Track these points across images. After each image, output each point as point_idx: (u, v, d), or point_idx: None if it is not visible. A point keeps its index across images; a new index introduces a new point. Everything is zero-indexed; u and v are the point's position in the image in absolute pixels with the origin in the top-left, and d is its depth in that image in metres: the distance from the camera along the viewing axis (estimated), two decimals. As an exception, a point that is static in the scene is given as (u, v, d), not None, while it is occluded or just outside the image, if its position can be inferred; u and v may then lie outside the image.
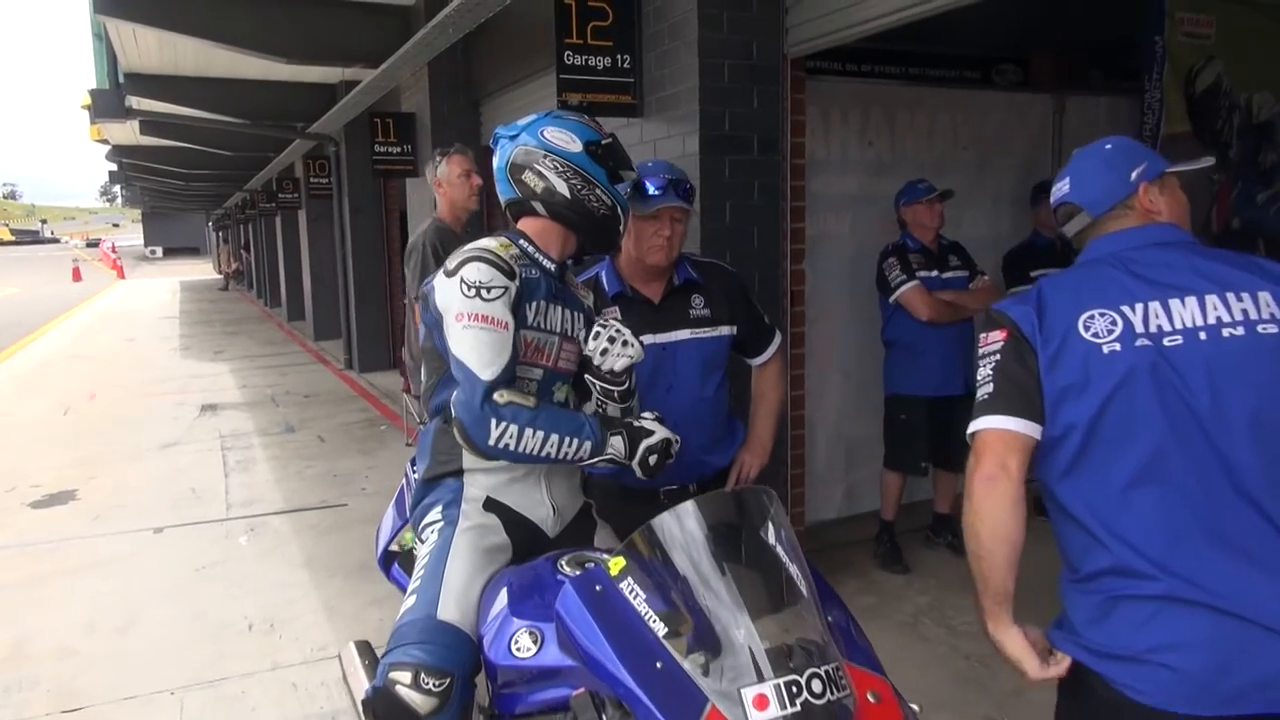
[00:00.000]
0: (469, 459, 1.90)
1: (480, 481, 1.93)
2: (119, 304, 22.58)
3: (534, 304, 1.89)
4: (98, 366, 11.56)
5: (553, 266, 1.97)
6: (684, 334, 2.42)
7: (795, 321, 3.90)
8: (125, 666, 3.47)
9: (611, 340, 1.93)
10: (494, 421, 1.70)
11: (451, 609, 1.76)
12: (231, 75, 9.66)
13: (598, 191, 1.93)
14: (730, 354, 2.54)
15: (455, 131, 6.87)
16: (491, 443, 1.71)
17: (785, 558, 1.46)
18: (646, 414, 1.93)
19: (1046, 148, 5.07)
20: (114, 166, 19.73)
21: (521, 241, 1.95)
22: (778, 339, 2.64)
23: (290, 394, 9.25)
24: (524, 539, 1.93)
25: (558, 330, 1.95)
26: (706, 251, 3.50)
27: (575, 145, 1.92)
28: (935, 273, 4.08)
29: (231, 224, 29.29)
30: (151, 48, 8.48)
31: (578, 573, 1.65)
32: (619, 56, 3.81)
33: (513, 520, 1.93)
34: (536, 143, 1.91)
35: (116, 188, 44.18)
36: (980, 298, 4.08)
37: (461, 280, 1.78)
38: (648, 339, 2.36)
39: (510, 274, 1.82)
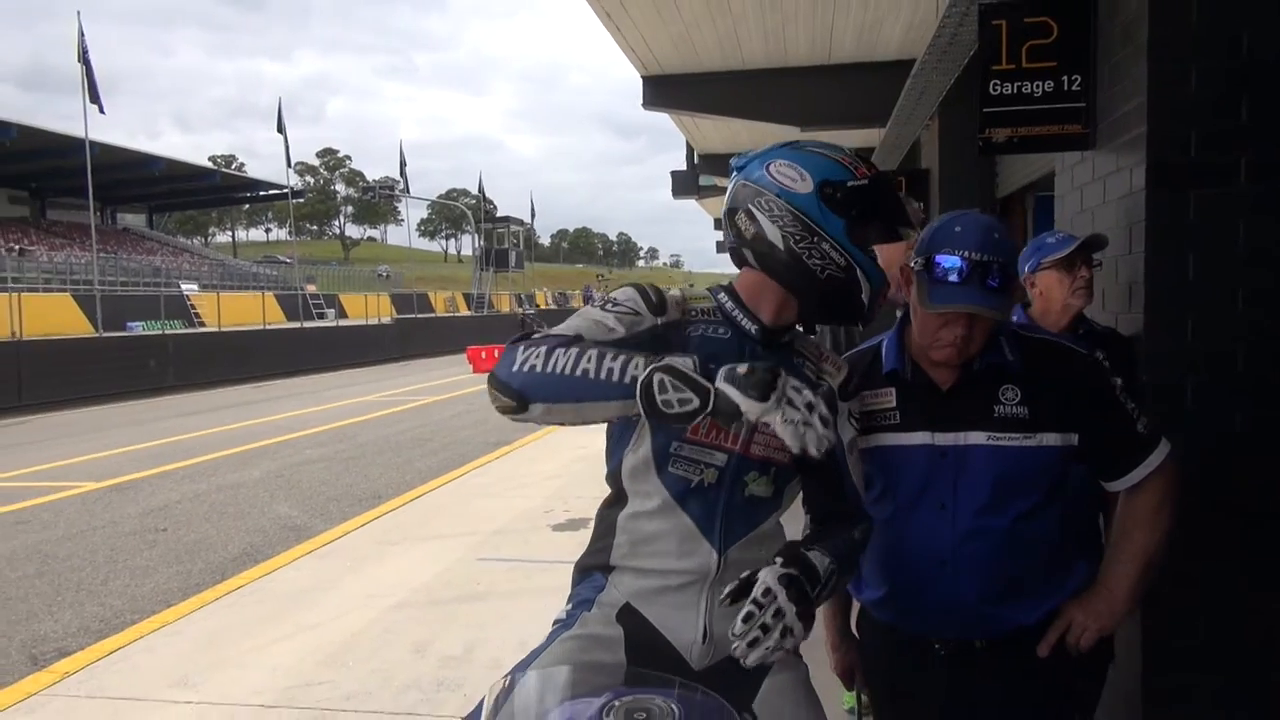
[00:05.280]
0: (620, 552, 1.62)
1: (626, 584, 1.60)
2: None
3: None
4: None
5: (753, 328, 1.59)
6: (979, 437, 1.72)
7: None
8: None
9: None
10: (521, 348, 1.42)
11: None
12: (781, 148, 10.34)
13: (824, 246, 1.51)
14: (1069, 472, 1.75)
15: (965, 187, 6.35)
16: (516, 368, 1.40)
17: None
18: None
19: None
20: (719, 238, 22.69)
21: (721, 295, 1.63)
22: (1159, 453, 1.74)
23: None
24: (649, 666, 1.50)
25: None
26: (1153, 319, 2.60)
27: (805, 184, 1.52)
28: None
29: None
30: (709, 130, 9.50)
31: None
32: (1067, 78, 3.07)
33: (644, 641, 1.56)
34: (766, 180, 1.55)
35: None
36: None
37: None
38: (922, 437, 1.77)
39: (658, 308, 1.55)
